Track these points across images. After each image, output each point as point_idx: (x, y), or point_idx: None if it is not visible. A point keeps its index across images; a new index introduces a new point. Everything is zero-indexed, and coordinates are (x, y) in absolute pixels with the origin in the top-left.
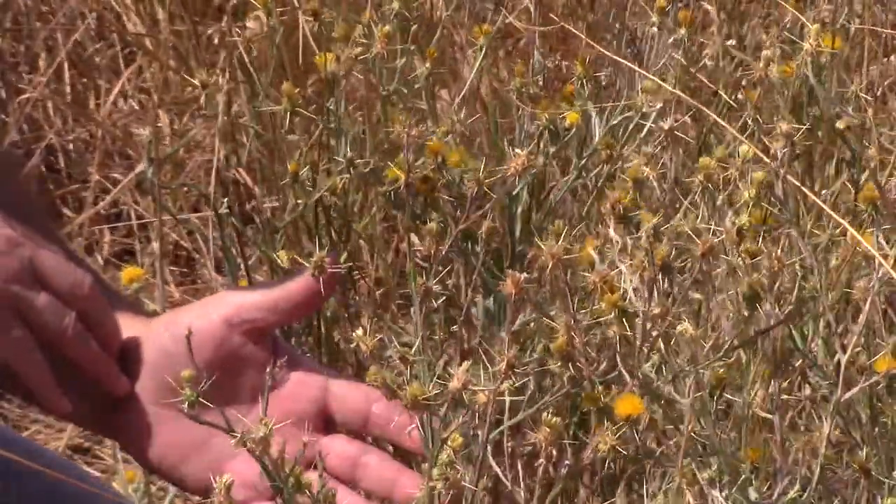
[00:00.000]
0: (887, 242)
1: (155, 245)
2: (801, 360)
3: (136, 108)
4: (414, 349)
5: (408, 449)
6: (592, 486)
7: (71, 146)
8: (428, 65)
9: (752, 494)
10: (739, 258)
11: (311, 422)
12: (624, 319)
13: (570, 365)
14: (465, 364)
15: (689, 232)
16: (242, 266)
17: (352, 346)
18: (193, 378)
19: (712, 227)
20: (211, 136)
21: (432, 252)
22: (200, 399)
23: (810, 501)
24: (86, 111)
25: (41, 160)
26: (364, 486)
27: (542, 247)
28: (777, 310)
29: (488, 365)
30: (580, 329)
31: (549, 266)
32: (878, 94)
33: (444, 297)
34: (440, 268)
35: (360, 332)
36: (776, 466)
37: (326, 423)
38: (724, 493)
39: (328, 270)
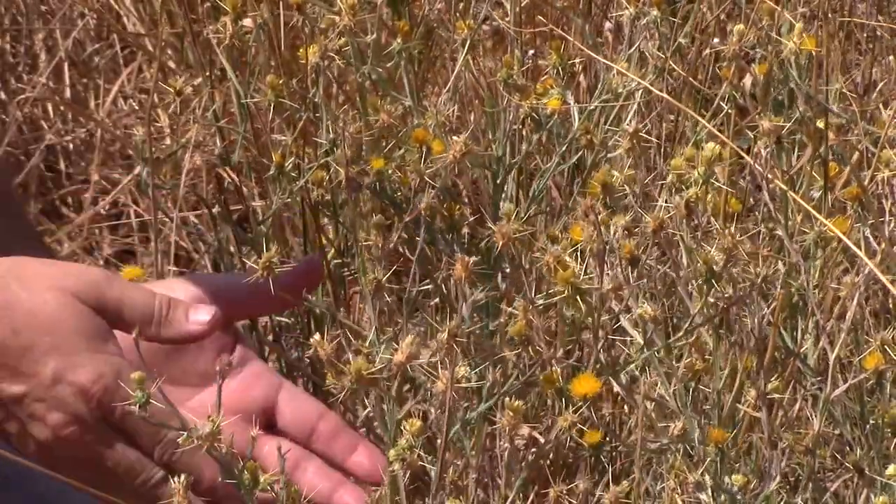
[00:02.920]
0: (874, 239)
1: (153, 245)
2: (790, 358)
3: (136, 108)
4: (368, 341)
5: (350, 471)
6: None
7: (71, 146)
8: (399, 39)
9: (727, 481)
10: (689, 233)
11: (255, 419)
12: (579, 297)
13: (529, 349)
14: (410, 338)
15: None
16: (239, 265)
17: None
18: (143, 380)
19: (663, 203)
20: (210, 136)
21: (380, 245)
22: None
23: (802, 499)
24: (86, 111)
25: (41, 160)
26: (302, 487)
27: (493, 227)
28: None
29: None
30: (538, 311)
31: (500, 246)
32: (864, 92)
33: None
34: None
35: (317, 336)
36: (765, 463)
37: (269, 425)
38: (712, 494)
39: (312, 269)
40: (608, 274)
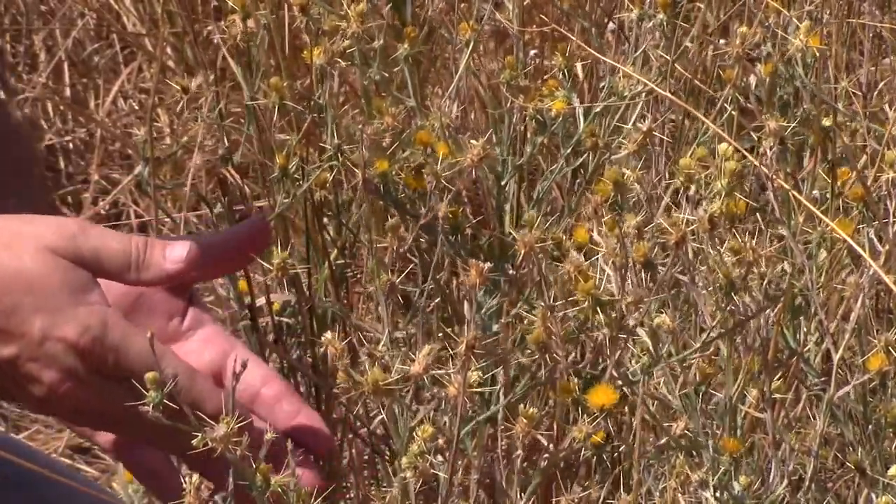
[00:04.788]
0: (879, 241)
1: None
2: (793, 359)
3: (136, 108)
4: (381, 344)
5: (290, 438)
6: (587, 480)
7: (71, 146)
8: (407, 45)
9: (736, 487)
10: (711, 247)
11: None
12: (599, 308)
13: (546, 356)
14: (427, 348)
15: (668, 226)
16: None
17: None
18: (159, 380)
19: (686, 216)
20: (211, 136)
21: (395, 248)
22: None
23: (804, 499)
24: (86, 111)
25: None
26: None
27: (517, 236)
28: (761, 300)
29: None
30: (557, 319)
31: (522, 255)
32: (867, 92)
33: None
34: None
35: (328, 335)
36: (768, 464)
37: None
38: (714, 493)
39: (257, 227)
40: (629, 287)
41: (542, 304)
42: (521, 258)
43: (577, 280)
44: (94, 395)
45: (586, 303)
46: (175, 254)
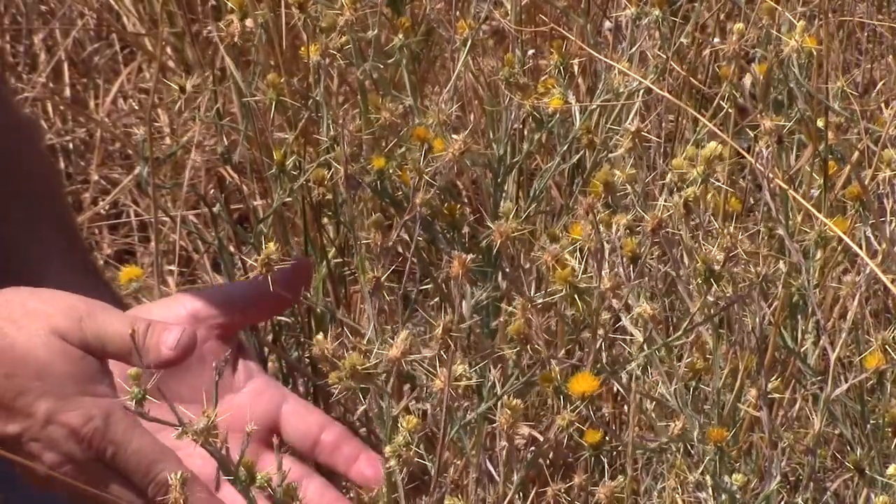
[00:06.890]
0: (875, 239)
1: (152, 245)
2: (791, 358)
3: (136, 107)
4: (366, 339)
5: (352, 480)
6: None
7: (71, 146)
8: (401, 35)
9: (726, 480)
10: (690, 232)
11: (258, 435)
12: (577, 296)
13: (528, 347)
14: (404, 333)
15: (645, 216)
16: (240, 265)
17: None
18: (140, 375)
19: (662, 202)
20: (210, 136)
21: (378, 244)
22: (152, 396)
23: (802, 499)
24: (85, 111)
25: None
26: None
27: (492, 226)
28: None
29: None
30: (537, 310)
31: (498, 244)
32: (863, 92)
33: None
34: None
35: (319, 336)
36: (765, 463)
37: (273, 440)
38: (713, 494)
39: (293, 272)
40: (606, 272)
41: (522, 295)
42: (496, 247)
43: (555, 269)
44: (90, 481)
45: (563, 290)
46: (169, 341)
